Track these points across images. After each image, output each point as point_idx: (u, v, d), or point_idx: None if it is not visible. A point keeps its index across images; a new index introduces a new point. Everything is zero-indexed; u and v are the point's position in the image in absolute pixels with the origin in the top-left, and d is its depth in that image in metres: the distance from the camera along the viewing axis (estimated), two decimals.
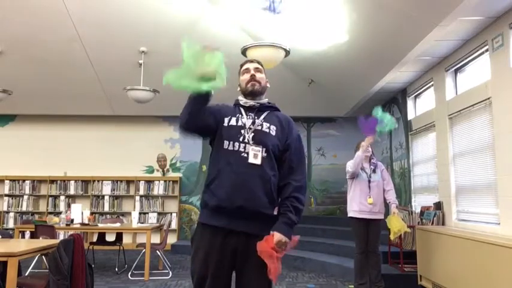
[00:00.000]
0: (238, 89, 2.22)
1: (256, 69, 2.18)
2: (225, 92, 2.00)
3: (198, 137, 2.16)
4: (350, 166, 4.56)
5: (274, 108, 2.19)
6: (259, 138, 2.03)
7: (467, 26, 4.21)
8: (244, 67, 2.21)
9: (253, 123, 2.07)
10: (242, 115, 2.10)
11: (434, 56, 5.13)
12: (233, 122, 2.07)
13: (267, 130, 2.06)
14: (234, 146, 2.01)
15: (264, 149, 2.01)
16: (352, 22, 4.68)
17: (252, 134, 2.03)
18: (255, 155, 1.98)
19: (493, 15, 3.98)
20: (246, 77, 2.17)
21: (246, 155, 1.99)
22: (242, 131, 2.04)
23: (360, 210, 4.48)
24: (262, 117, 2.11)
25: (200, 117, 2.00)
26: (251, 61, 2.23)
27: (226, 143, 2.02)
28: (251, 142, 2.01)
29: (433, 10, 3.81)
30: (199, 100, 1.96)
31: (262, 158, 1.99)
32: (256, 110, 2.12)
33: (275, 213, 2.00)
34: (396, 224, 4.44)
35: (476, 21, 4.12)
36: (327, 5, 4.48)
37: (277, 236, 1.90)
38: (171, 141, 8.87)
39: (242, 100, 2.16)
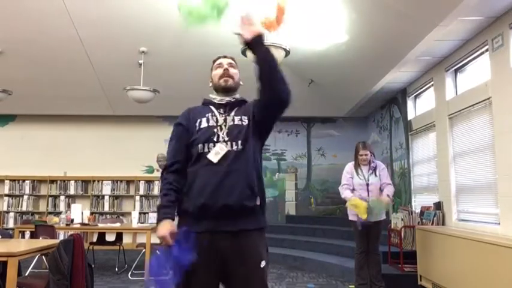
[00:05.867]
0: (210, 84, 2.14)
1: (230, 65, 2.10)
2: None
3: None
4: (341, 192, 4.61)
5: (244, 101, 2.12)
6: (235, 133, 1.96)
7: (467, 26, 4.20)
8: (217, 62, 2.13)
9: (225, 120, 2.01)
10: (213, 113, 2.03)
11: (434, 56, 5.12)
12: (204, 124, 2.00)
13: (240, 123, 2.00)
14: (209, 147, 1.94)
15: (239, 142, 1.95)
16: (352, 22, 4.69)
17: (227, 130, 1.97)
18: (216, 153, 1.92)
19: (493, 15, 3.98)
20: (218, 71, 2.09)
21: (220, 153, 1.93)
22: (215, 130, 1.97)
23: None
24: (233, 112, 2.04)
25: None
26: (224, 56, 2.14)
27: (200, 146, 1.95)
28: (226, 139, 1.95)
29: (433, 10, 3.81)
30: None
31: (237, 151, 1.93)
32: (228, 107, 2.05)
33: (257, 203, 1.94)
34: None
35: (476, 21, 4.12)
36: (327, 5, 4.49)
37: None
38: None
39: (216, 98, 2.09)
